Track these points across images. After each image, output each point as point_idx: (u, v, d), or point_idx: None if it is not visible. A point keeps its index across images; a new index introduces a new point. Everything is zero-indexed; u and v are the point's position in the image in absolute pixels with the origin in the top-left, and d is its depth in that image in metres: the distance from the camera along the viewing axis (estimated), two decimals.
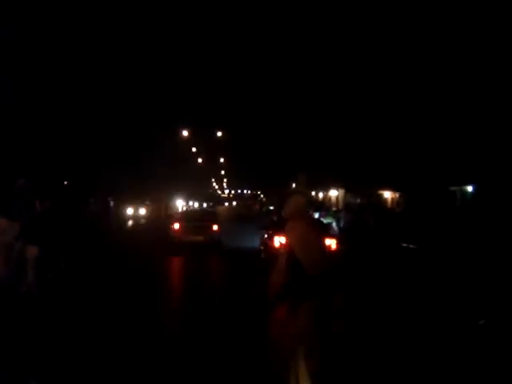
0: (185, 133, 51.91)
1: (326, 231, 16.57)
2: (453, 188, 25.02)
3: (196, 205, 77.81)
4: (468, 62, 21.92)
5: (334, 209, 31.77)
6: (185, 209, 57.23)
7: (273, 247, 14.72)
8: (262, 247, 16.79)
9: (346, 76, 32.26)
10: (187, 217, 22.80)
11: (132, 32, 33.02)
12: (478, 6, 20.90)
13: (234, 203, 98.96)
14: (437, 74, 23.89)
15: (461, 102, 22.60)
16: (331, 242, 14.88)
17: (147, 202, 46.91)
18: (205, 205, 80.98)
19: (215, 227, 20.81)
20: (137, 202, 43.93)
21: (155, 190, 48.47)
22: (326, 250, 4.83)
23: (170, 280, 13.90)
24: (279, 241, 14.25)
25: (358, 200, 36.48)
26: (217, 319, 8.47)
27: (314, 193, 51.51)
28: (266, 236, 16.35)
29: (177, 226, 20.78)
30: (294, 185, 60.22)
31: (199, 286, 12.02)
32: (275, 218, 18.61)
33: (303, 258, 4.34)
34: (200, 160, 70.55)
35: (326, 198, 47.98)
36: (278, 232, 14.19)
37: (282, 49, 44.12)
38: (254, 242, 18.99)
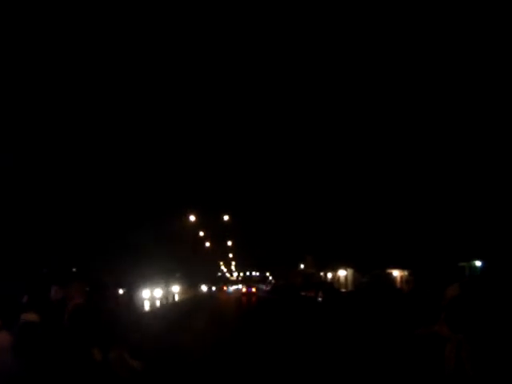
0: (192, 217, 52.43)
1: None
2: (462, 263, 24.88)
3: (205, 288, 76.96)
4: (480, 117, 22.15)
5: None
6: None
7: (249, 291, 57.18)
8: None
9: (351, 154, 32.96)
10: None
11: (141, 111, 33.80)
12: (478, 12, 21.06)
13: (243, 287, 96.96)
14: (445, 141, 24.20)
15: (468, 179, 22.91)
16: (252, 289, 59.39)
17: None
18: (214, 288, 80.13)
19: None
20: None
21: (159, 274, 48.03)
22: None
23: None
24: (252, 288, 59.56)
25: (364, 279, 36.07)
26: None
27: (322, 273, 51.09)
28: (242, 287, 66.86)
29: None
30: (301, 266, 59.83)
31: None
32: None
33: None
34: (208, 244, 70.69)
35: (335, 278, 47.51)
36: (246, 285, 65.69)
37: (286, 128, 45.49)
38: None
